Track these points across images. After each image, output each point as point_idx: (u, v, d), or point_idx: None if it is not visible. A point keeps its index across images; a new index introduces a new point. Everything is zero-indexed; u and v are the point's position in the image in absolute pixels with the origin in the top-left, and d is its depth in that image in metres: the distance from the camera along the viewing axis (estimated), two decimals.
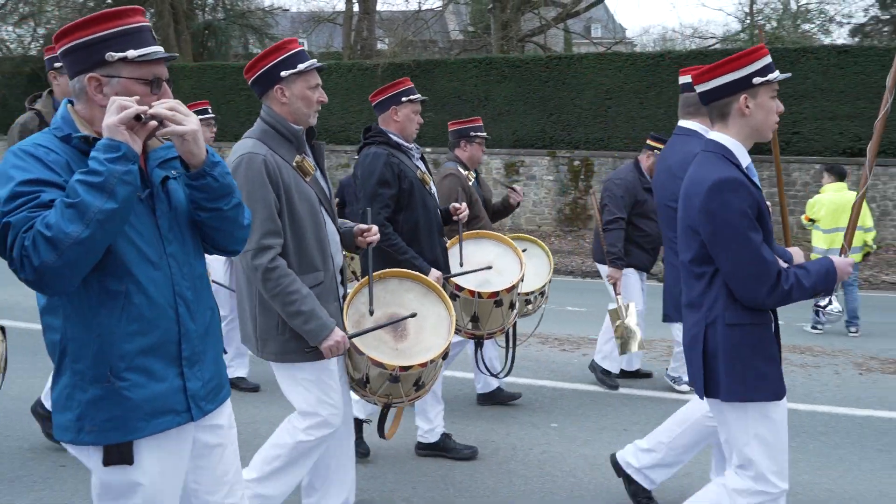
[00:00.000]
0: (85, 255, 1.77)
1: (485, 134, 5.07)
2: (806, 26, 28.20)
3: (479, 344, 4.29)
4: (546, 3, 20.99)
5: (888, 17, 23.34)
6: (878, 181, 13.96)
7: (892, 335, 7.73)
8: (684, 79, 3.62)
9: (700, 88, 2.62)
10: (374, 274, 3.16)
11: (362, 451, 4.15)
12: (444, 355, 3.12)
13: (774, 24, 27.12)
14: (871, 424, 4.90)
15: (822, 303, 2.69)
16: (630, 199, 5.49)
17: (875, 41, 22.06)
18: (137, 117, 1.83)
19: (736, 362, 2.54)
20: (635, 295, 5.58)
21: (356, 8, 22.21)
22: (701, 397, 2.69)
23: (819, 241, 8.09)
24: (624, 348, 5.32)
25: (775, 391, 2.57)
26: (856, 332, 7.76)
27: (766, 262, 2.46)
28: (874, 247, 8.32)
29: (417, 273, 3.35)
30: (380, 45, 21.61)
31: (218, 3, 23.79)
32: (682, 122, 3.65)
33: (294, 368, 2.95)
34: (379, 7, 22.88)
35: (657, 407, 5.17)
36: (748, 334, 2.55)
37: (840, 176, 8.15)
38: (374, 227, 3.18)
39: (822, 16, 28.27)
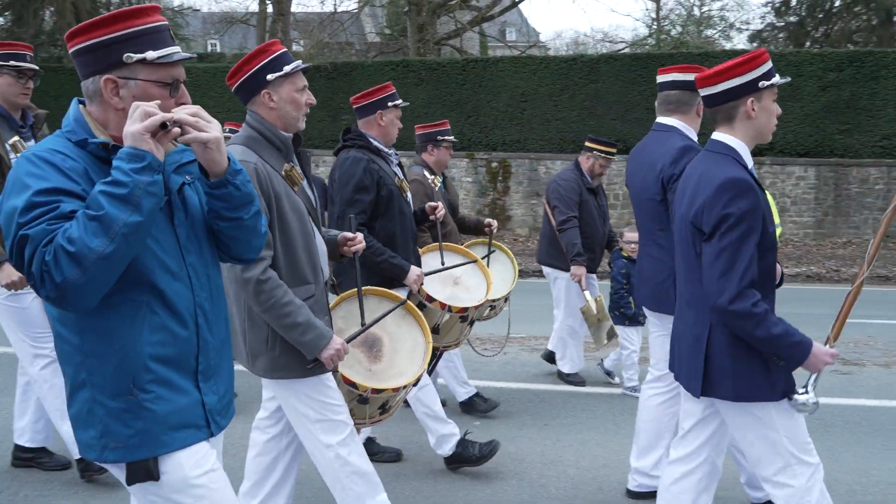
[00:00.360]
0: (109, 270, 1.68)
1: (452, 137, 5.00)
2: (709, 32, 29.52)
3: (435, 356, 4.25)
4: (461, 7, 21.19)
5: (783, 23, 24.65)
6: (777, 179, 14.73)
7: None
8: (662, 77, 3.67)
9: (706, 92, 2.63)
10: (347, 293, 3.08)
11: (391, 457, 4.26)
12: (416, 382, 3.05)
13: (680, 29, 28.26)
14: None
15: (799, 391, 2.55)
16: (575, 197, 5.56)
17: (771, 46, 23.25)
18: (163, 124, 1.74)
19: (742, 362, 2.54)
20: (573, 296, 5.65)
21: (270, 9, 21.82)
22: (696, 396, 2.68)
23: None
24: (599, 342, 5.45)
25: (784, 389, 2.56)
26: None
27: (744, 269, 2.44)
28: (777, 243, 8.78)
29: (397, 294, 3.26)
30: (295, 47, 21.28)
31: (123, 3, 22.90)
32: (662, 119, 3.68)
33: (289, 383, 2.81)
34: (294, 8, 22.56)
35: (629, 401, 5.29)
36: None
37: None
38: (360, 236, 3.07)
39: (724, 22, 29.67)
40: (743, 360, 2.55)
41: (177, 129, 1.77)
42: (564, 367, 5.85)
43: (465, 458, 4.07)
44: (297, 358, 2.74)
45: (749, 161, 2.62)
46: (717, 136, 2.67)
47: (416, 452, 4.40)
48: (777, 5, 24.45)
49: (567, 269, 5.54)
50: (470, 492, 3.93)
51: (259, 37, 21.75)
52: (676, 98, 3.59)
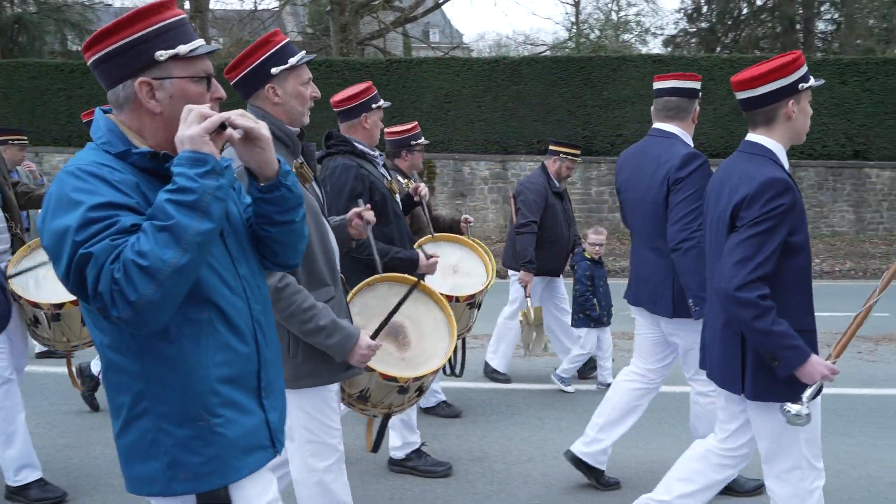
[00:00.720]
0: (183, 283, 1.56)
1: (424, 140, 4.95)
2: (626, 36, 30.43)
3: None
4: (384, 7, 21.14)
5: (695, 29, 25.64)
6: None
7: None
8: (661, 84, 3.70)
9: (746, 95, 2.67)
10: (365, 282, 3.00)
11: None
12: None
13: (598, 33, 29.01)
14: (674, 397, 5.39)
15: (796, 400, 2.49)
16: (542, 202, 5.59)
17: (685, 51, 24.15)
18: (222, 126, 1.65)
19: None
20: (535, 299, 5.68)
21: (187, 5, 21.24)
22: (737, 393, 2.68)
23: None
24: (530, 349, 5.49)
25: (817, 391, 2.55)
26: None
27: (761, 261, 2.46)
28: None
29: (406, 276, 3.14)
30: (214, 45, 20.79)
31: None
32: (661, 125, 3.71)
33: (302, 394, 2.67)
34: (212, 5, 22.04)
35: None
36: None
37: None
38: (369, 211, 3.00)
39: (640, 27, 30.62)
40: (760, 361, 2.58)
41: (230, 131, 1.68)
42: (495, 361, 5.90)
43: (412, 468, 4.09)
44: (323, 364, 2.62)
45: (785, 162, 2.67)
46: (754, 137, 2.71)
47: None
48: (689, 12, 25.42)
49: (534, 269, 5.56)
50: (399, 490, 3.94)
51: None
52: (676, 104, 3.65)
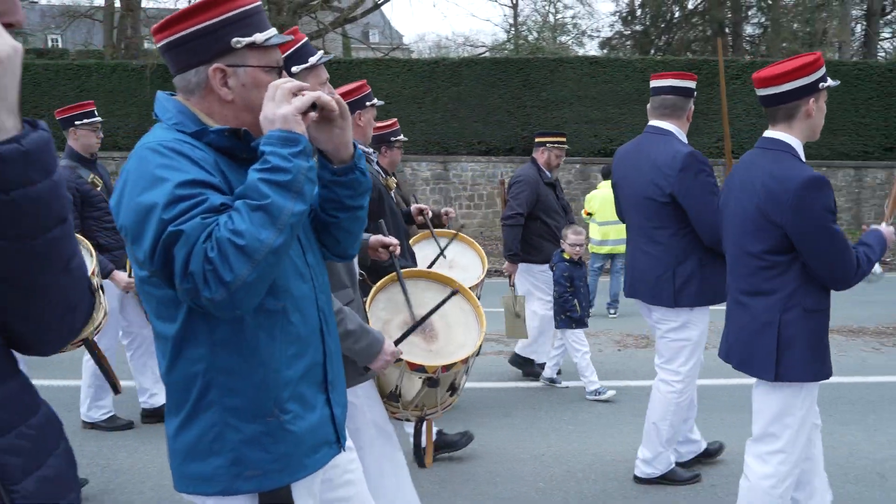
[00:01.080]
0: (276, 265, 1.50)
1: (403, 136, 4.92)
2: (563, 38, 30.90)
3: None
4: (323, 8, 20.96)
5: (629, 32, 26.23)
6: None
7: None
8: (658, 82, 3.80)
9: (769, 91, 2.79)
10: (385, 279, 2.94)
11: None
12: (478, 351, 2.89)
13: (536, 35, 29.39)
14: (628, 392, 5.53)
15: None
16: (533, 195, 5.65)
17: (620, 53, 24.69)
18: (313, 105, 1.60)
19: (813, 345, 2.75)
20: (540, 284, 5.77)
21: (118, 3, 20.63)
22: (770, 380, 2.80)
23: (594, 232, 8.96)
24: (511, 334, 5.52)
25: (824, 374, 2.80)
26: (615, 314, 8.74)
27: (849, 250, 2.71)
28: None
29: (428, 270, 3.04)
30: (147, 45, 20.25)
31: None
32: (657, 123, 3.80)
33: None
34: (144, 3, 21.45)
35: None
36: (822, 318, 2.78)
37: (607, 175, 9.07)
38: (395, 241, 2.93)
39: (576, 29, 31.14)
40: (796, 345, 2.75)
41: (313, 114, 1.63)
42: (542, 358, 5.90)
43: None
44: (347, 367, 2.59)
45: (803, 157, 2.81)
46: (773, 133, 2.84)
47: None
48: (624, 15, 26.00)
49: (533, 261, 5.65)
50: None
51: (106, 32, 20.52)
52: (672, 103, 3.74)
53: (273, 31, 1.71)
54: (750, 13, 25.16)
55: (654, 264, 3.74)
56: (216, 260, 1.44)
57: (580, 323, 5.56)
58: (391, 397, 2.84)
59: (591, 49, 28.74)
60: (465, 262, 4.35)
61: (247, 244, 1.44)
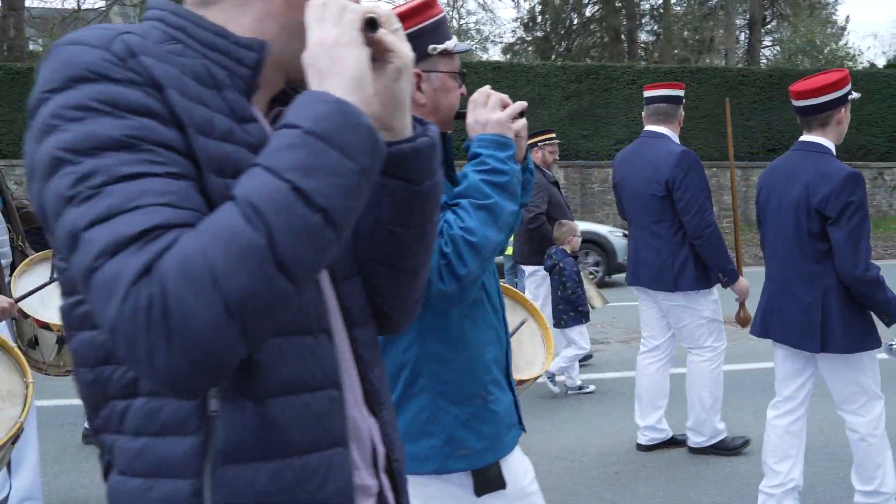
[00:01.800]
0: (492, 261, 1.65)
1: None
2: (467, 43, 31.25)
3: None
4: None
5: (531, 37, 26.87)
6: None
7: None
8: (651, 92, 4.25)
9: (808, 102, 3.14)
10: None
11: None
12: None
13: None
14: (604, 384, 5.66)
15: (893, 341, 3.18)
16: (545, 195, 5.67)
17: (522, 59, 25.25)
18: (521, 114, 1.73)
19: (855, 319, 3.06)
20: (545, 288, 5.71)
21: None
22: (817, 351, 3.13)
23: None
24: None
25: (877, 340, 3.13)
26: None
27: (868, 245, 2.99)
28: None
29: (506, 286, 2.86)
30: (33, 46, 19.20)
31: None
32: (651, 128, 4.23)
33: None
34: (29, 3, 20.31)
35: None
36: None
37: None
38: None
39: (480, 35, 31.58)
40: (849, 320, 3.07)
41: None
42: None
43: None
44: None
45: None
46: (811, 138, 3.19)
47: None
48: (525, 21, 26.61)
49: (537, 263, 5.64)
50: None
51: None
52: (665, 110, 4.19)
53: (456, 39, 1.82)
54: (644, 21, 26.28)
55: (655, 255, 4.15)
56: (451, 255, 1.57)
57: (587, 317, 5.41)
58: None
59: (495, 54, 29.25)
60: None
61: (477, 241, 1.58)
